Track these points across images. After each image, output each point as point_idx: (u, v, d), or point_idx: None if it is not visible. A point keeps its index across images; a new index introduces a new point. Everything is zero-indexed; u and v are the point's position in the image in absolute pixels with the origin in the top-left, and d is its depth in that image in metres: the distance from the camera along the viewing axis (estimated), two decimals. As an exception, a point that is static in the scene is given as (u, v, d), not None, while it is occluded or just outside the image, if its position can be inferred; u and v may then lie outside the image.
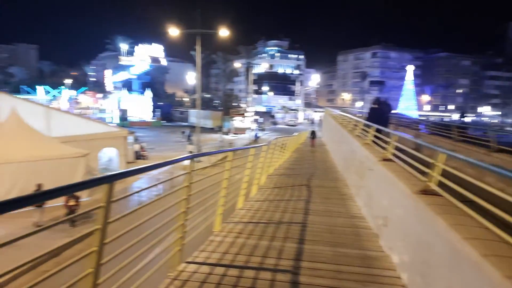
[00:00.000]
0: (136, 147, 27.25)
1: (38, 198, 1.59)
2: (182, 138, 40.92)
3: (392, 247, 4.26)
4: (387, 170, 4.94)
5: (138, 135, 42.62)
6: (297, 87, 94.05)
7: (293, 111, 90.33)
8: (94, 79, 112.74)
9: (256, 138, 40.07)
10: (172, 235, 3.50)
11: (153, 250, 3.09)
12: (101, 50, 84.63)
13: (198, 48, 24.65)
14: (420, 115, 66.55)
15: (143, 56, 58.86)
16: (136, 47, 60.24)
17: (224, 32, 24.38)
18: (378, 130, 7.22)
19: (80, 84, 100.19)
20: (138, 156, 27.03)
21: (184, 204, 3.57)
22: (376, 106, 8.36)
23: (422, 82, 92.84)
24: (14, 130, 14.95)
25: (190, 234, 3.83)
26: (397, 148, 5.48)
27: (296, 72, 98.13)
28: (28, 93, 77.52)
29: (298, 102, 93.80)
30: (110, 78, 67.83)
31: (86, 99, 77.60)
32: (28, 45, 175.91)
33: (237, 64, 69.14)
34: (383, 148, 6.21)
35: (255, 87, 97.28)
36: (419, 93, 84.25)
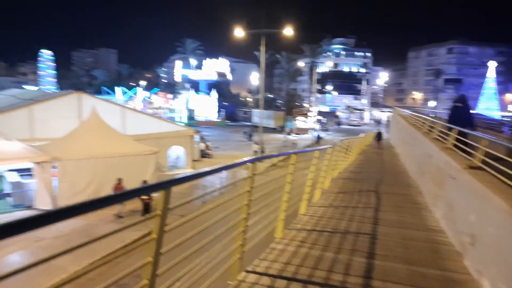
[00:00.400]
0: (202, 145, 28.16)
1: (94, 205, 1.48)
2: (244, 138, 41.55)
3: (483, 271, 3.65)
4: (475, 180, 4.28)
5: (203, 134, 44.27)
6: (363, 86, 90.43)
7: (359, 111, 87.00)
8: (166, 81, 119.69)
9: (318, 139, 39.03)
10: (232, 241, 3.33)
11: (212, 257, 2.93)
12: (172, 52, 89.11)
13: (262, 48, 24.70)
14: (503, 116, 59.97)
15: (210, 71, 61.66)
16: (204, 61, 63.26)
17: (288, 31, 24.11)
18: (461, 133, 6.39)
19: (153, 85, 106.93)
20: (204, 154, 27.92)
21: (245, 209, 3.38)
22: (460, 104, 7.38)
23: (506, 79, 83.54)
24: (94, 128, 16.19)
25: (250, 240, 3.63)
26: (488, 155, 4.75)
27: (363, 70, 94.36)
28: (108, 93, 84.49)
29: (364, 101, 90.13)
30: (179, 70, 70.96)
31: (157, 99, 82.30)
32: (109, 50, 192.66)
33: (301, 63, 68.36)
34: (469, 153, 5.47)
35: (318, 87, 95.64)
36: (502, 91, 75.94)
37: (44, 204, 13.89)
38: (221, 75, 61.07)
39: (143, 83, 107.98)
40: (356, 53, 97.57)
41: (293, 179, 5.16)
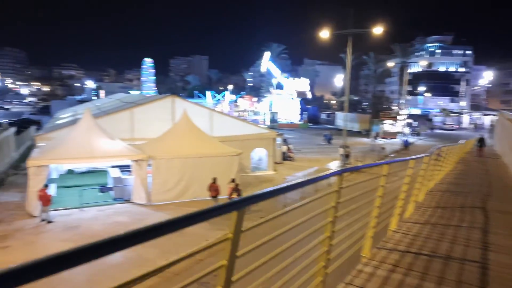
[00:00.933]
0: (284, 148, 28.13)
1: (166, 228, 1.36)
2: (322, 141, 40.38)
3: None
4: None
5: (286, 137, 44.36)
6: (461, 87, 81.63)
7: (456, 114, 78.79)
8: (251, 84, 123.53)
9: (406, 144, 36.07)
10: (314, 261, 3.03)
11: (292, 281, 2.66)
12: (258, 57, 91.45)
13: (349, 49, 23.74)
14: None
15: (291, 90, 62.76)
16: (285, 80, 64.28)
17: (378, 30, 22.77)
18: None
19: (240, 88, 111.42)
20: (285, 157, 27.87)
21: (329, 226, 3.06)
22: None
23: None
24: (184, 129, 17.21)
25: (334, 260, 3.30)
26: None
27: (461, 70, 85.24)
28: (199, 97, 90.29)
29: (463, 104, 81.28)
30: (266, 62, 72.16)
31: (243, 102, 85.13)
32: (201, 57, 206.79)
33: (390, 64, 64.41)
34: None
35: (409, 88, 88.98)
36: None
37: (139, 198, 15.16)
38: (301, 93, 62.44)
39: (230, 87, 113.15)
40: (454, 51, 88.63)
41: (385, 193, 4.65)
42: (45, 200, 12.51)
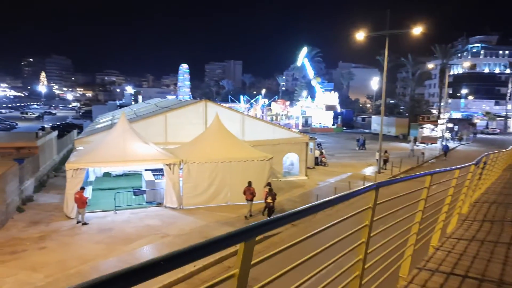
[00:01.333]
0: (317, 153, 27.58)
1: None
2: (356, 146, 39.13)
3: None
4: None
5: (319, 141, 43.52)
6: (509, 89, 76.83)
7: (501, 118, 74.24)
8: (284, 89, 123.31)
9: (446, 150, 33.62)
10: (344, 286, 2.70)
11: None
12: (293, 61, 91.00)
13: (386, 51, 22.89)
14: None
15: (320, 104, 61.93)
16: (318, 85, 64.04)
17: (417, 31, 21.79)
18: None
19: (273, 93, 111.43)
20: (318, 162, 27.29)
21: (362, 248, 2.73)
22: None
23: None
24: (216, 133, 17.22)
25: (368, 284, 2.95)
26: None
27: (508, 71, 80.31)
28: (233, 101, 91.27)
29: (510, 107, 76.41)
30: (302, 56, 71.59)
31: (276, 106, 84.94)
32: (235, 61, 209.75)
33: (429, 66, 61.78)
34: None
35: (450, 91, 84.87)
36: None
37: (171, 202, 15.29)
38: (331, 107, 61.67)
39: (263, 91, 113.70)
40: (500, 51, 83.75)
41: (426, 206, 4.22)
42: (81, 202, 12.88)
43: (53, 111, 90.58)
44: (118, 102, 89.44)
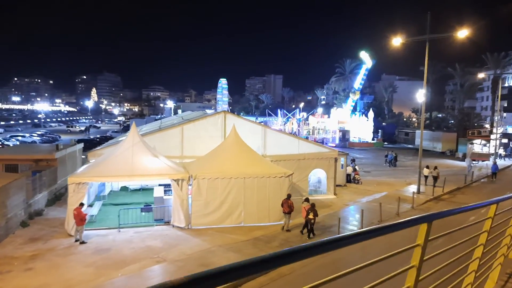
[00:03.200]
0: (349, 169, 25.43)
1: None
2: (384, 163, 35.75)
3: None
4: None
5: (356, 156, 40.84)
6: None
7: None
8: (324, 102, 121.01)
9: (495, 170, 28.05)
10: None
11: None
12: (333, 74, 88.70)
13: (426, 57, 20.64)
14: None
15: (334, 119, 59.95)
16: (332, 109, 61.11)
17: (462, 34, 19.42)
18: None
19: (312, 107, 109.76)
20: (351, 179, 25.13)
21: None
22: None
23: None
24: (232, 147, 15.97)
25: None
26: None
27: None
28: (270, 115, 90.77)
29: None
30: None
31: (314, 120, 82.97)
32: (275, 76, 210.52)
33: (481, 77, 56.99)
34: None
35: (505, 104, 77.93)
36: None
37: (179, 221, 14.13)
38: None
39: (301, 105, 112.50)
40: None
41: (488, 240, 3.45)
42: (79, 219, 12.07)
43: (98, 125, 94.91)
44: (157, 116, 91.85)
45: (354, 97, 60.27)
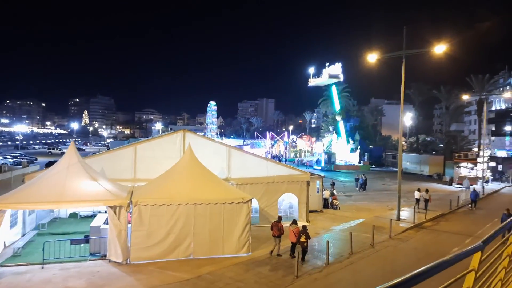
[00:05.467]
0: (326, 193, 23.74)
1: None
2: (356, 187, 33.46)
3: None
4: None
5: (340, 179, 39.22)
6: (562, 125, 68.98)
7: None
8: (314, 126, 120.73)
9: (474, 198, 24.80)
10: None
11: None
12: (319, 95, 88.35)
13: (403, 73, 19.45)
14: None
15: (325, 74, 57.44)
16: (324, 69, 58.90)
17: (439, 49, 18.33)
18: None
19: (302, 130, 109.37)
20: (328, 204, 23.38)
21: None
22: None
23: None
24: (186, 168, 14.24)
25: None
26: None
27: (560, 105, 72.65)
28: (260, 138, 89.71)
29: None
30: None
31: (302, 143, 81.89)
32: (268, 99, 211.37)
33: (466, 98, 56.48)
34: None
35: (492, 127, 77.64)
36: None
37: (115, 255, 12.18)
38: (334, 76, 56.10)
39: (291, 127, 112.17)
40: (548, 84, 76.50)
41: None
42: (-16, 254, 10.10)
43: (84, 147, 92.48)
44: (142, 139, 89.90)
45: (338, 119, 59.22)
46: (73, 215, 18.01)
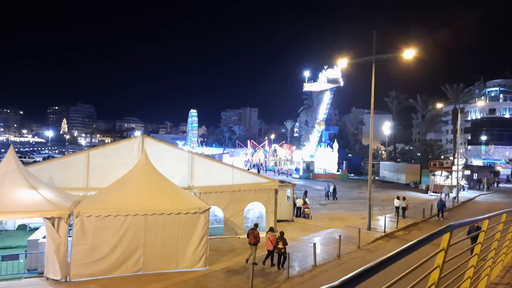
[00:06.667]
0: (299, 202, 22.98)
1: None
2: (324, 197, 32.01)
3: None
4: None
5: (317, 188, 38.57)
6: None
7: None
8: (297, 134, 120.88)
9: (441, 208, 23.64)
10: None
11: None
12: (301, 104, 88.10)
13: (373, 77, 19.00)
14: None
15: (323, 79, 53.13)
16: (320, 73, 55.93)
17: (408, 54, 17.98)
18: None
19: (284, 138, 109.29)
20: (301, 213, 22.61)
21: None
22: None
23: None
24: (139, 176, 13.21)
25: None
26: None
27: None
28: (241, 147, 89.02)
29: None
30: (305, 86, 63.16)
31: (282, 151, 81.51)
32: (252, 109, 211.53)
33: (440, 106, 57.15)
34: None
35: (469, 137, 79.10)
36: None
37: (53, 272, 10.98)
38: (333, 81, 51.77)
39: (272, 136, 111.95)
40: (521, 95, 78.65)
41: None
42: None
43: (58, 156, 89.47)
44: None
45: (319, 128, 58.79)
46: (22, 227, 16.61)
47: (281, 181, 23.07)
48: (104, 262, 11.46)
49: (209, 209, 13.09)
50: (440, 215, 23.52)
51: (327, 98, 55.92)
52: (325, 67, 52.98)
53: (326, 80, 52.62)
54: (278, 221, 18.83)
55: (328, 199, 31.20)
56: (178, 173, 16.46)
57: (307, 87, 57.77)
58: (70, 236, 11.45)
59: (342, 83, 53.44)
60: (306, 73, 56.52)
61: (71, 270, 11.10)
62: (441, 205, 23.49)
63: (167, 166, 16.08)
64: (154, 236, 12.09)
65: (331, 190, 31.58)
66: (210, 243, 15.50)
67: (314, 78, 55.47)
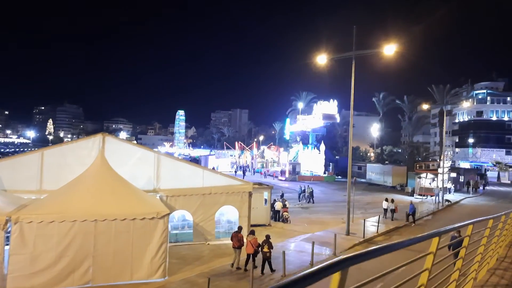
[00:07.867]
0: (278, 205, 21.95)
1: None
2: (299, 200, 30.29)
3: None
4: None
5: (284, 191, 37.48)
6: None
7: (512, 168, 67.75)
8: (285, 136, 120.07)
9: (411, 212, 22.48)
10: None
11: None
12: (289, 106, 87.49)
13: (352, 73, 18.12)
14: None
15: (318, 113, 52.78)
16: (315, 105, 55.84)
17: (389, 50, 17.14)
18: None
19: (271, 140, 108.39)
20: (279, 217, 21.58)
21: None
22: None
23: None
24: (93, 177, 12.06)
25: None
26: None
27: (518, 118, 75.17)
28: (229, 148, 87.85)
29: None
30: (288, 127, 68.10)
31: (269, 153, 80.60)
32: (242, 110, 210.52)
33: (426, 107, 56.87)
34: None
35: (456, 139, 79.30)
36: None
37: (-14, 285, 9.76)
38: (329, 117, 51.28)
39: (261, 137, 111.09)
40: (508, 98, 79.08)
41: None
42: None
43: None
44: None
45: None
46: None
47: (259, 183, 22.08)
48: (47, 274, 10.27)
49: (169, 214, 11.97)
50: (412, 220, 22.12)
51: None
52: (320, 102, 52.80)
53: (322, 116, 51.74)
54: (254, 225, 17.72)
55: (299, 201, 30.02)
56: (143, 175, 15.35)
57: (301, 119, 57.11)
58: (7, 245, 10.24)
59: (338, 119, 52.53)
60: (300, 105, 56.77)
61: (8, 283, 9.89)
62: (412, 208, 22.25)
63: (130, 167, 15.00)
64: (106, 244, 10.93)
65: (307, 192, 30.31)
66: (176, 250, 14.52)
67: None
